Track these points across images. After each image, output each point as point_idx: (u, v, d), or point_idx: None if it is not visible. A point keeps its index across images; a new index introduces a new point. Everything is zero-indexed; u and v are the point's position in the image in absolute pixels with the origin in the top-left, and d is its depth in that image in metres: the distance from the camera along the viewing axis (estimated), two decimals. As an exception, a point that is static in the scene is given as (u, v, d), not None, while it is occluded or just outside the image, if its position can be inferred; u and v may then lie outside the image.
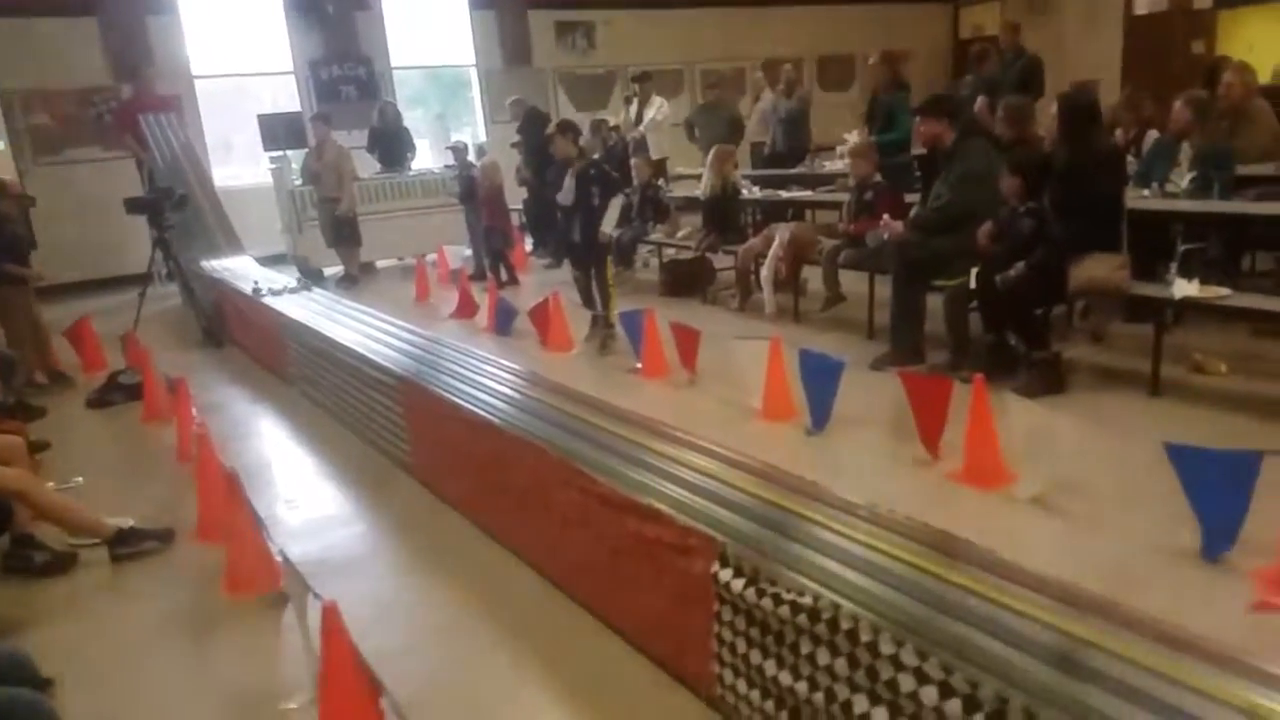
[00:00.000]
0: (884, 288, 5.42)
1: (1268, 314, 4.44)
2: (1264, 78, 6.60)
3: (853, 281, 6.06)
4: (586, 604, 2.89)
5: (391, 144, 10.23)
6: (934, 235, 4.94)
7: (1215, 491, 2.83)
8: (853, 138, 8.55)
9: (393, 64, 11.81)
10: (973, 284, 4.55)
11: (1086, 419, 3.85)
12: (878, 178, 5.94)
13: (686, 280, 7.51)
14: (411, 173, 10.24)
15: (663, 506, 2.46)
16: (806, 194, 7.55)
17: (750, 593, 2.11)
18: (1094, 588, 1.85)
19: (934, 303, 5.11)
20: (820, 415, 4.23)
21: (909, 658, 1.73)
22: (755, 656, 2.14)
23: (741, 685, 2.20)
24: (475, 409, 3.50)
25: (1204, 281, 4.32)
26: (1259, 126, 5.49)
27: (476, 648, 2.79)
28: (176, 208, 7.37)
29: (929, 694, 1.68)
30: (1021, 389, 4.09)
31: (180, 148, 9.04)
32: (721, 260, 7.42)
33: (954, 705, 1.63)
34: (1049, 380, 4.43)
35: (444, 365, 4.13)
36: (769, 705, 2.11)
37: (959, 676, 1.64)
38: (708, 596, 2.26)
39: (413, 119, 11.57)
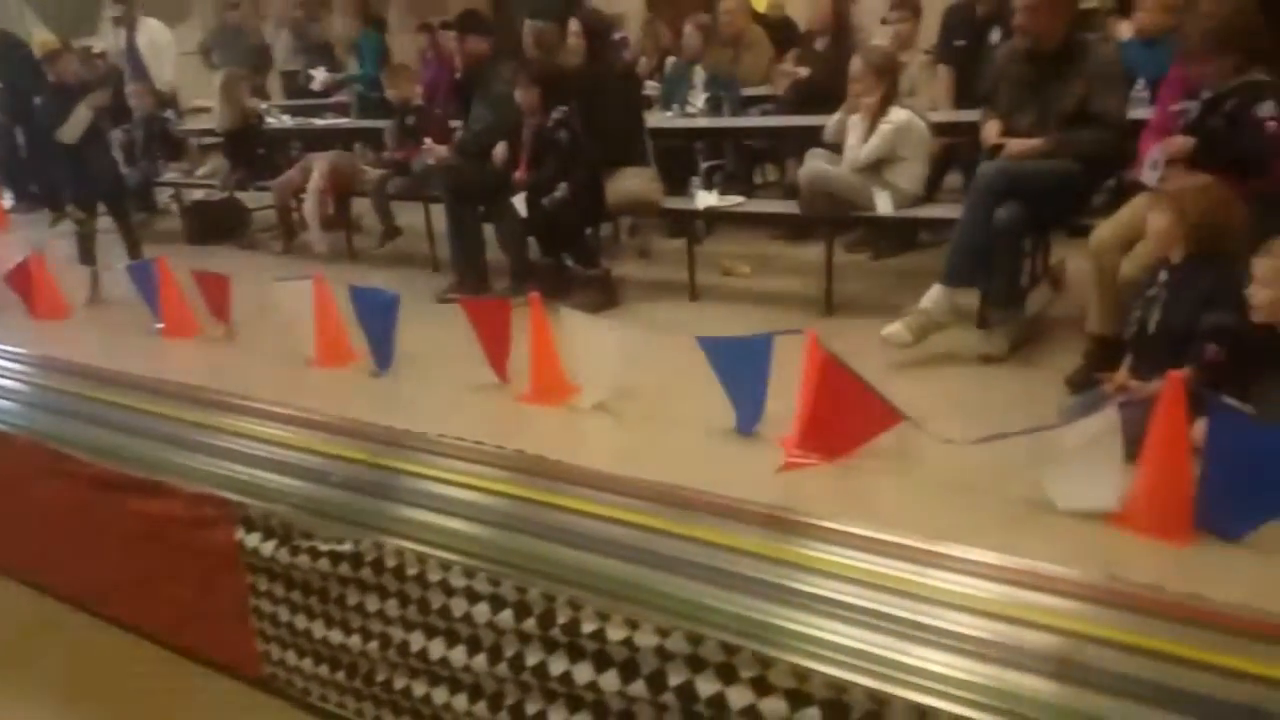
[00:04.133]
0: (442, 217, 5.32)
1: (775, 217, 5.10)
2: (761, 7, 7.52)
3: (412, 212, 5.88)
4: (100, 611, 2.45)
5: None
6: (480, 158, 4.93)
7: (740, 374, 3.17)
8: (320, 74, 8.30)
9: None
10: (522, 211, 4.63)
11: (638, 327, 4.13)
12: (418, 101, 5.78)
13: (217, 224, 6.80)
14: None
15: (167, 478, 2.12)
16: (343, 121, 7.16)
17: (284, 554, 1.91)
18: (654, 476, 1.95)
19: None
20: (383, 354, 4.05)
21: (457, 580, 1.67)
22: (301, 621, 1.96)
23: (291, 656, 2.01)
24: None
25: (723, 193, 4.85)
26: (757, 51, 6.24)
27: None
28: None
29: (481, 611, 1.64)
30: (578, 306, 4.25)
31: None
32: (262, 199, 6.79)
33: (505, 616, 1.60)
34: (603, 296, 4.69)
35: None
36: (323, 669, 1.95)
37: (508, 585, 1.61)
38: (237, 568, 2.01)
39: None
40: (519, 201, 4.59)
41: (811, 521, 1.67)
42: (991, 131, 3.69)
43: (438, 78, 7.01)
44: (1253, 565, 2.05)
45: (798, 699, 1.32)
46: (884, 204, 4.13)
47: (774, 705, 1.33)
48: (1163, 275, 2.71)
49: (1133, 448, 2.27)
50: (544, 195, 4.54)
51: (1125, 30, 4.57)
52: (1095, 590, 1.50)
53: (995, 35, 4.87)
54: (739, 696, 1.36)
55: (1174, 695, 1.29)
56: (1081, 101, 3.44)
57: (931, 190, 4.53)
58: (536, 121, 4.59)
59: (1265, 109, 2.82)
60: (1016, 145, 3.53)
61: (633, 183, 4.64)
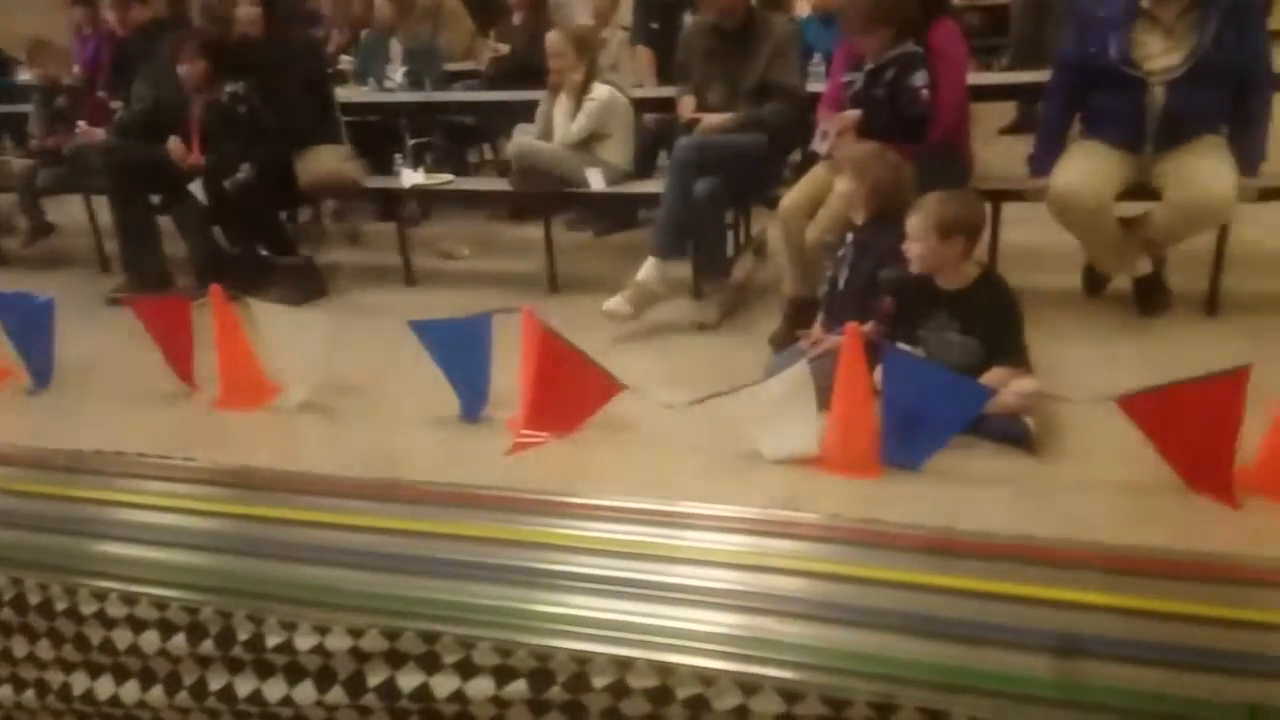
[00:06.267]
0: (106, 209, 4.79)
1: (486, 195, 5.07)
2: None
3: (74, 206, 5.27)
4: None
5: None
6: (147, 140, 4.49)
7: (460, 358, 3.11)
8: None
9: None
10: (202, 198, 4.27)
11: (348, 317, 3.95)
12: (69, 80, 5.17)
13: None
14: None
15: None
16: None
17: (-102, 606, 1.62)
18: (372, 474, 1.85)
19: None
20: (40, 368, 3.63)
21: (115, 609, 1.50)
22: (-65, 682, 1.67)
23: (-73, 726, 1.71)
24: None
25: (432, 171, 4.74)
26: (457, 26, 6.16)
27: None
28: None
29: (149, 640, 1.49)
30: (280, 298, 4.00)
31: None
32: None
33: (178, 641, 1.46)
34: (307, 285, 4.44)
35: None
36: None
37: (176, 607, 1.47)
38: None
39: None
40: (197, 187, 4.23)
41: (518, 495, 1.67)
42: (686, 107, 3.86)
43: (98, 54, 6.31)
44: (930, 490, 2.31)
45: (503, 674, 1.31)
46: (596, 180, 4.22)
47: (480, 685, 1.31)
48: (849, 236, 2.98)
49: (825, 396, 2.47)
50: (224, 178, 4.22)
51: (804, 7, 4.97)
52: (831, 529, 1.62)
53: (688, 18, 5.10)
54: (443, 684, 1.33)
55: (923, 622, 1.39)
56: (764, 76, 3.69)
57: (648, 167, 4.68)
58: (206, 98, 4.28)
59: (918, 78, 3.17)
60: (708, 120, 3.73)
61: (325, 161, 4.42)
